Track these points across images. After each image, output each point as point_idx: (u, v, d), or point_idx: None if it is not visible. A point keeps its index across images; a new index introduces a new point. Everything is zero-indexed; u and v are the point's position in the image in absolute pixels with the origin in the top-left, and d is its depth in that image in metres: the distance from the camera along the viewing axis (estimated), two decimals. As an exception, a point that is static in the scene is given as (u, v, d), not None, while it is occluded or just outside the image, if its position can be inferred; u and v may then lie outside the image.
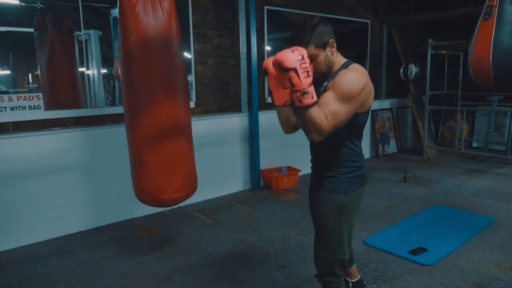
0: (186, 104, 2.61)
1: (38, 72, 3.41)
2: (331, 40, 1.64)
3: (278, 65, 1.46)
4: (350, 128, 1.67)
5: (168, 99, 2.45)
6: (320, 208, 1.80)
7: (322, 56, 1.63)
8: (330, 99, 1.54)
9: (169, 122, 2.47)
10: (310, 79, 1.44)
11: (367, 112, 1.72)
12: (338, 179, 1.75)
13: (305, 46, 1.57)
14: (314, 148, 1.84)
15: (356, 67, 1.66)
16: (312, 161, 1.89)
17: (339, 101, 1.54)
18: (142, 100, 2.41)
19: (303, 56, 1.44)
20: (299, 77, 1.42)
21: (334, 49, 1.67)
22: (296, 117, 1.51)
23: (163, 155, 2.47)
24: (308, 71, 1.44)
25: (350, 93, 1.55)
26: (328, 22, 1.67)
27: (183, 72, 2.58)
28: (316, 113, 1.47)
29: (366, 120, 1.76)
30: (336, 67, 1.69)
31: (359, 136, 1.78)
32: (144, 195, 2.57)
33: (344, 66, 1.67)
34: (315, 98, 1.46)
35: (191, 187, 2.68)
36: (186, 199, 2.66)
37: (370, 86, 1.64)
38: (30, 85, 3.44)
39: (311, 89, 1.45)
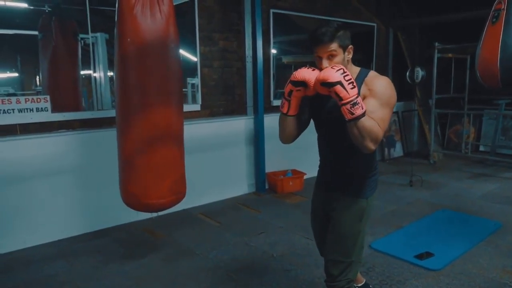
0: (179, 109, 2.57)
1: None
2: (350, 46, 1.66)
3: (322, 83, 1.49)
4: None
5: (162, 102, 2.41)
6: (342, 213, 1.79)
7: (340, 57, 1.61)
8: (375, 107, 1.57)
9: (162, 126, 2.43)
10: (356, 90, 1.48)
11: None
12: (362, 183, 1.77)
13: (329, 41, 1.57)
14: (332, 155, 1.82)
15: (376, 73, 1.69)
16: (327, 165, 1.87)
17: (383, 106, 1.59)
18: (135, 103, 2.38)
19: (344, 70, 1.49)
20: (345, 89, 1.46)
21: (351, 56, 1.67)
22: (349, 130, 1.53)
23: (153, 160, 2.43)
24: (352, 82, 1.48)
25: (391, 98, 1.62)
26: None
27: (178, 77, 2.54)
28: (369, 122, 1.50)
29: None
30: (352, 75, 1.68)
31: None
32: (130, 199, 2.53)
33: (364, 74, 1.68)
34: (365, 107, 1.49)
35: (180, 194, 2.62)
36: (174, 205, 2.60)
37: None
38: (38, 88, 3.47)
39: (360, 99, 1.48)
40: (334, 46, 1.58)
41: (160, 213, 3.69)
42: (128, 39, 2.29)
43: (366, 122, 1.49)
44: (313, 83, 1.57)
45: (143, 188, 2.45)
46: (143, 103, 2.38)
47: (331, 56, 1.59)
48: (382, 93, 1.60)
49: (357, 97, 1.47)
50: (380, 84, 1.63)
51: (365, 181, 1.77)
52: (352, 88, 1.46)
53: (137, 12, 2.26)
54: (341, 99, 1.47)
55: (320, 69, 1.59)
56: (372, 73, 1.69)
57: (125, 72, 2.39)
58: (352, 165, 1.77)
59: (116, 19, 2.36)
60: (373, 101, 1.59)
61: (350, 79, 1.48)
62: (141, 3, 2.27)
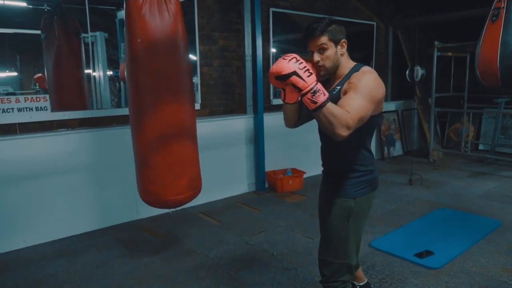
0: (191, 106, 2.62)
1: (40, 74, 3.42)
2: (343, 40, 1.65)
3: (277, 77, 1.42)
4: (363, 131, 1.67)
5: (174, 101, 2.45)
6: (328, 212, 1.79)
7: (332, 50, 1.62)
8: (350, 98, 1.51)
9: (175, 124, 2.47)
10: (314, 77, 1.41)
11: (380, 115, 1.71)
12: (347, 183, 1.73)
13: (319, 34, 1.59)
14: (325, 151, 1.83)
15: (368, 68, 1.66)
16: (323, 164, 1.88)
17: (361, 98, 1.51)
18: (148, 102, 2.42)
19: (296, 58, 1.42)
20: (302, 78, 1.39)
21: (345, 50, 1.67)
22: (317, 120, 1.47)
23: (169, 157, 2.47)
24: (308, 70, 1.41)
25: (371, 91, 1.55)
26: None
27: (188, 74, 2.59)
28: (334, 107, 1.42)
29: (378, 124, 1.75)
30: (345, 70, 1.68)
31: (370, 140, 1.76)
32: (149, 197, 2.57)
33: (355, 69, 1.66)
34: (327, 93, 1.43)
35: (196, 189, 2.68)
36: (191, 200, 2.65)
37: (383, 85, 1.64)
38: (37, 87, 3.47)
39: (320, 86, 1.41)
40: (324, 39, 1.60)
41: (160, 213, 3.71)
42: (138, 40, 2.32)
43: (333, 108, 1.41)
44: None
45: (161, 185, 2.49)
46: (156, 102, 2.40)
47: (322, 50, 1.61)
48: (362, 86, 1.54)
49: (316, 84, 1.39)
50: (361, 78, 1.57)
51: (353, 181, 1.72)
52: (309, 76, 1.39)
53: (145, 12, 2.28)
54: (300, 90, 1.39)
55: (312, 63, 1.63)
56: (364, 68, 1.65)
57: (137, 72, 2.41)
58: (342, 162, 1.75)
59: (125, 21, 2.38)
60: (351, 93, 1.53)
61: (305, 66, 1.40)
62: (148, 3, 2.29)
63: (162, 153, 2.45)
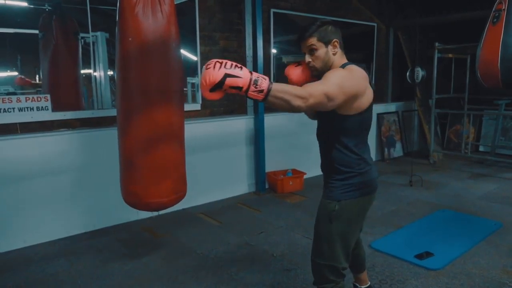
0: (180, 108, 2.57)
1: (19, 76, 3.37)
2: (335, 39, 1.68)
3: (212, 88, 1.33)
4: (342, 132, 1.68)
5: (163, 102, 2.41)
6: (317, 212, 1.81)
7: (322, 51, 1.66)
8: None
9: (163, 126, 2.43)
10: (246, 69, 1.34)
11: (361, 115, 1.66)
12: (332, 185, 1.74)
13: (308, 36, 1.66)
14: (320, 148, 1.87)
15: (351, 66, 1.66)
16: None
17: (323, 80, 1.53)
18: (137, 102, 2.38)
19: (218, 61, 1.33)
20: (236, 76, 1.31)
21: (337, 49, 1.69)
22: (274, 106, 1.42)
23: (154, 159, 2.43)
24: (236, 65, 1.33)
25: (338, 77, 1.54)
26: (338, 26, 1.73)
27: (179, 76, 2.54)
28: (281, 85, 1.37)
29: (361, 125, 1.70)
30: (335, 68, 1.70)
31: (357, 141, 1.71)
32: (131, 198, 2.53)
33: (342, 67, 1.68)
34: (266, 76, 1.38)
35: (180, 193, 2.63)
36: (174, 204, 2.60)
37: (362, 83, 1.61)
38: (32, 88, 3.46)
39: (256, 74, 1.34)
40: (313, 40, 1.65)
41: (161, 212, 3.70)
42: (130, 39, 2.30)
43: (280, 86, 1.36)
44: (291, 77, 1.74)
45: (144, 187, 2.45)
46: (144, 102, 2.37)
47: (312, 51, 1.67)
48: (330, 74, 1.55)
49: (251, 73, 1.32)
50: (335, 70, 1.60)
51: (338, 183, 1.71)
52: (241, 70, 1.32)
53: (138, 11, 2.27)
54: (241, 88, 1.32)
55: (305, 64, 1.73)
56: (348, 66, 1.65)
57: (127, 72, 2.39)
58: (326, 162, 1.78)
59: (117, 19, 2.37)
60: None
61: (232, 64, 1.32)
62: (142, 2, 2.27)
63: (148, 155, 2.41)
